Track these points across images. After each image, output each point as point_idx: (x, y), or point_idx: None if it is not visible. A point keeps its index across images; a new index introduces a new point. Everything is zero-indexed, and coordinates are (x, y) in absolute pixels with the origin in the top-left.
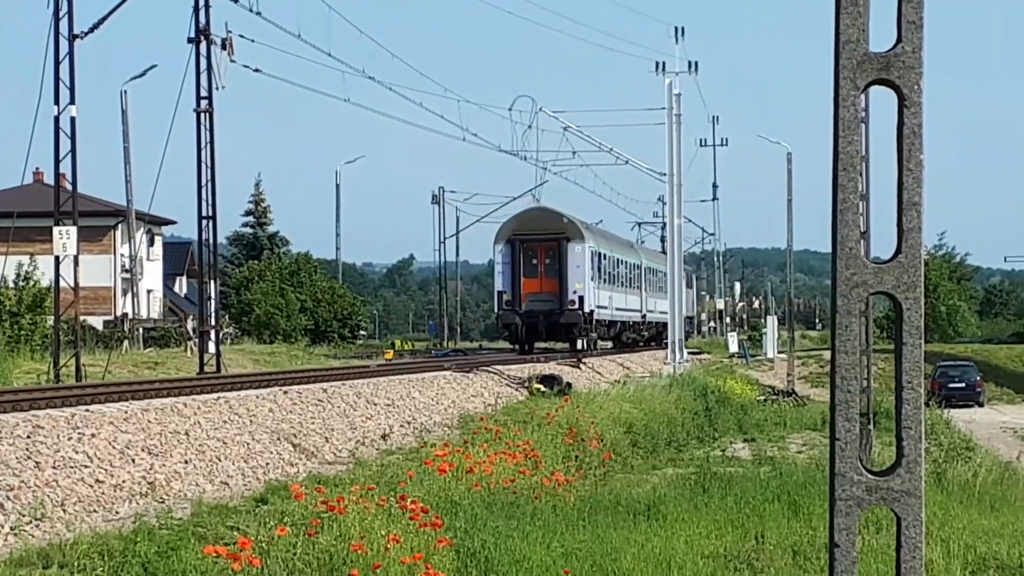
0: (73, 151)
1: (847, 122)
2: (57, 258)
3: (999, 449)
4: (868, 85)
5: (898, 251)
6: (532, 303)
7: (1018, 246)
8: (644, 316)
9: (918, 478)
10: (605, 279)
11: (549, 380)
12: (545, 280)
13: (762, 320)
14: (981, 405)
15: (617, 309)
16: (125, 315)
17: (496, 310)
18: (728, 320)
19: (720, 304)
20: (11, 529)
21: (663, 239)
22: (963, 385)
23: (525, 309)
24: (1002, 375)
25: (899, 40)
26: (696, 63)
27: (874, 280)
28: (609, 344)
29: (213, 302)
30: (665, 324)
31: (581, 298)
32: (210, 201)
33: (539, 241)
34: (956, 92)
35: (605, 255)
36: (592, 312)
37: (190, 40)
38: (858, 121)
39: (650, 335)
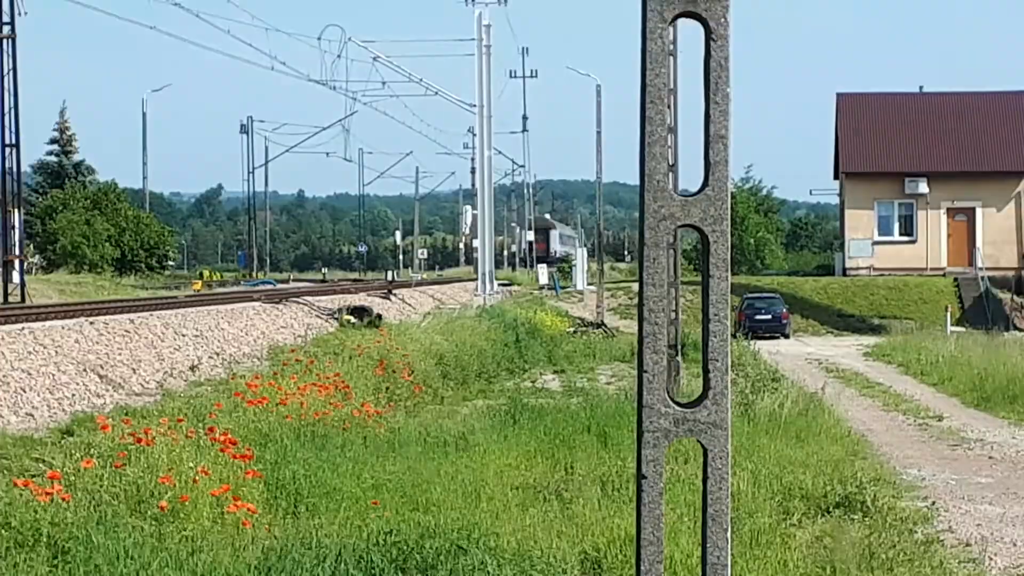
0: None
1: (654, 55)
2: None
3: (804, 380)
4: (675, 18)
5: (705, 184)
6: (538, 253)
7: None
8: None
9: (724, 410)
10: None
11: (360, 311)
12: (542, 244)
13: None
14: (787, 337)
15: (564, 252)
16: None
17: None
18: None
19: (530, 236)
20: None
21: (472, 171)
22: (769, 317)
23: (537, 256)
24: (807, 307)
25: None
26: None
27: (681, 213)
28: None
29: (17, 231)
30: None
31: (555, 250)
32: (13, 129)
33: (540, 230)
34: (763, 24)
35: (560, 234)
36: (556, 253)
37: None
38: (666, 54)
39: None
